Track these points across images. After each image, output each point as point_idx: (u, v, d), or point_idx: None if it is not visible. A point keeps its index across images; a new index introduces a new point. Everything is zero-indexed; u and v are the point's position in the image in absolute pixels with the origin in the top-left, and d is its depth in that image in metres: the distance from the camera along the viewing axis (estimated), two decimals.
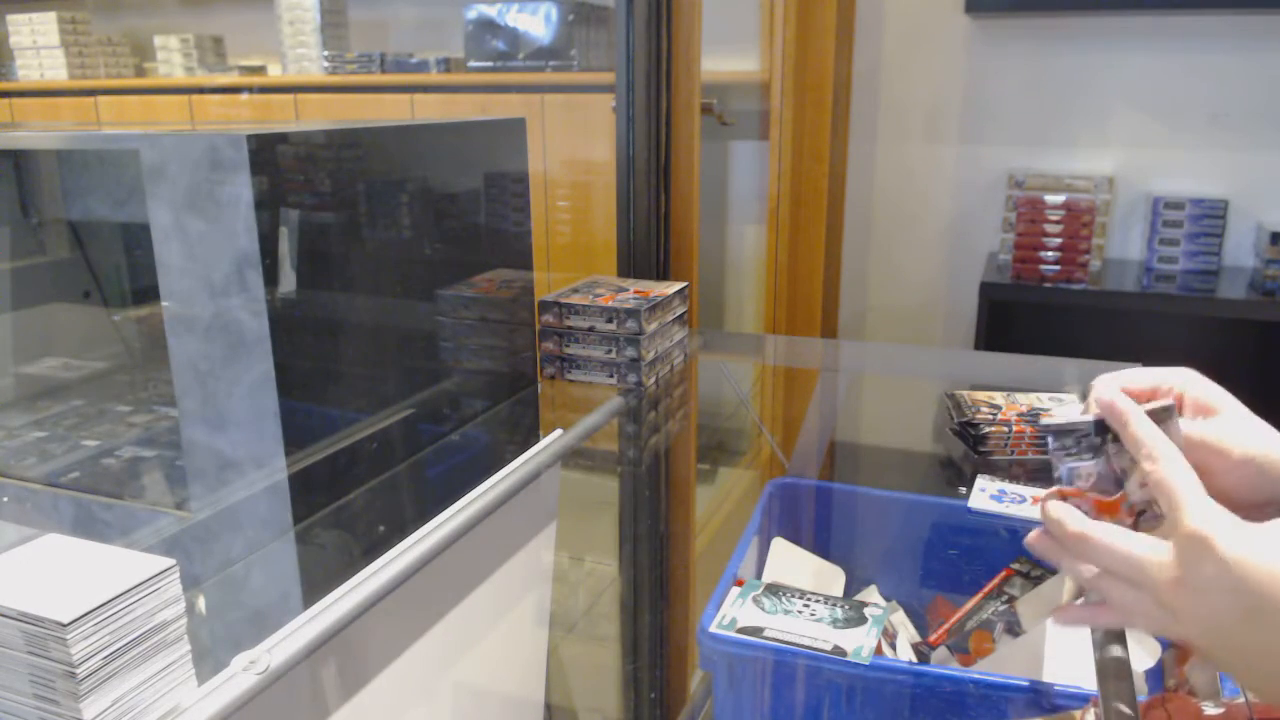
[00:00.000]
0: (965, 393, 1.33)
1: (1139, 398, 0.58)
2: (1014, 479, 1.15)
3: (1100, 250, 2.73)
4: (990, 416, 1.24)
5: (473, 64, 2.79)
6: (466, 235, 1.22)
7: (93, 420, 1.26)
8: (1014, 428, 1.23)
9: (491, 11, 2.73)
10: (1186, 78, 2.67)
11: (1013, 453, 1.23)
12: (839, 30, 2.69)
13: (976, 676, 0.81)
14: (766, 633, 0.85)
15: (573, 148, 2.52)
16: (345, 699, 0.71)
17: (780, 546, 1.09)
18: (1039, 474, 1.17)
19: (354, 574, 0.72)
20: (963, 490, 1.12)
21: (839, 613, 0.87)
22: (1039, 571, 1.01)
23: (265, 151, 0.87)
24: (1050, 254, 2.70)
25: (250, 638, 0.64)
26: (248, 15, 3.56)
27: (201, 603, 0.89)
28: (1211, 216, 2.64)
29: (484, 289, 1.25)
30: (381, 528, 1.01)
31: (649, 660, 1.35)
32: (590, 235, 2.52)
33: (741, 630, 0.85)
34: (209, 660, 0.62)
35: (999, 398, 1.31)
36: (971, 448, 1.24)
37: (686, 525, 1.45)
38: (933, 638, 1.02)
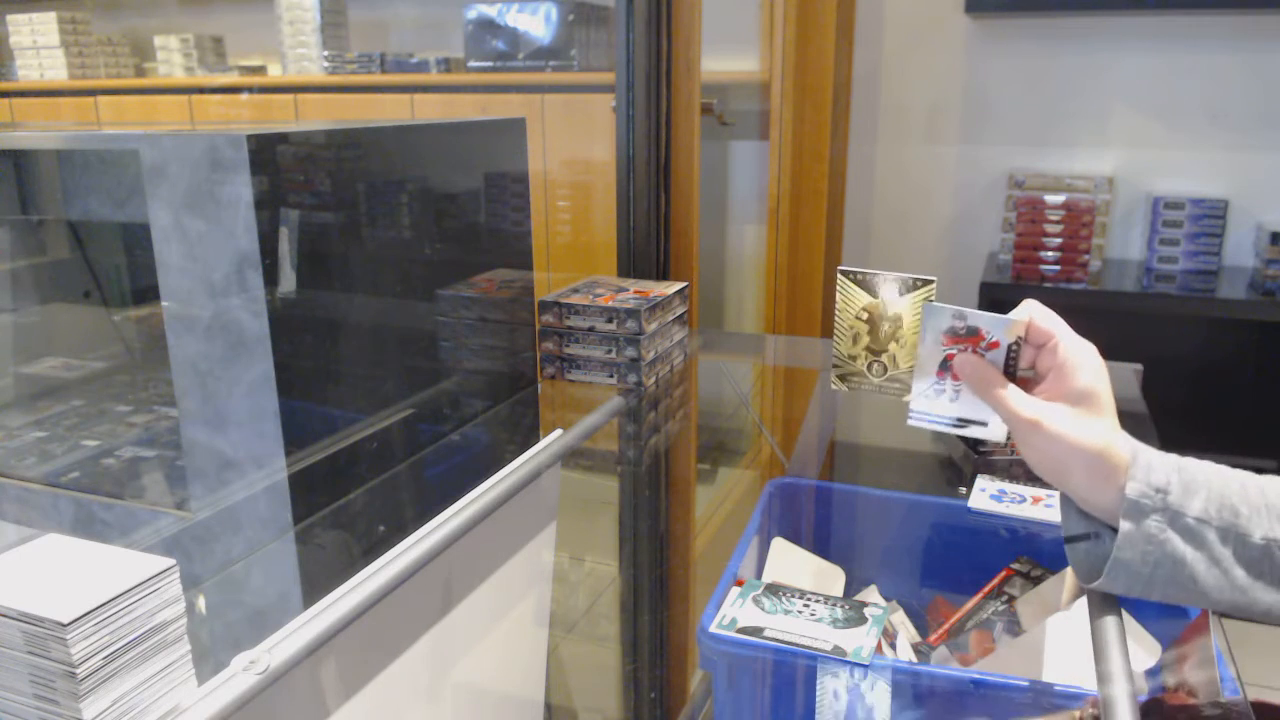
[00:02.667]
0: None
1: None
2: (1014, 479, 1.15)
3: (1100, 250, 2.73)
4: None
5: (473, 64, 2.79)
6: (466, 235, 1.22)
7: (93, 420, 1.26)
8: None
9: (491, 11, 2.73)
10: (1186, 78, 2.67)
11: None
12: (839, 30, 2.69)
13: (976, 676, 0.81)
14: (766, 633, 0.85)
15: (573, 148, 2.52)
16: (345, 699, 0.71)
17: (780, 546, 1.09)
18: None
19: (354, 574, 0.72)
20: (963, 490, 1.12)
21: (839, 613, 0.87)
22: (1039, 571, 1.01)
23: (265, 151, 0.87)
24: (1050, 254, 2.70)
25: (250, 638, 0.64)
26: (248, 15, 3.56)
27: (201, 603, 0.89)
28: (1211, 216, 2.64)
29: (484, 289, 1.25)
30: (381, 528, 1.01)
31: (649, 660, 1.35)
32: (590, 235, 2.52)
33: (741, 630, 0.85)
34: (209, 660, 0.62)
35: None
36: (971, 448, 1.24)
37: (686, 525, 1.45)
38: (933, 638, 1.02)
